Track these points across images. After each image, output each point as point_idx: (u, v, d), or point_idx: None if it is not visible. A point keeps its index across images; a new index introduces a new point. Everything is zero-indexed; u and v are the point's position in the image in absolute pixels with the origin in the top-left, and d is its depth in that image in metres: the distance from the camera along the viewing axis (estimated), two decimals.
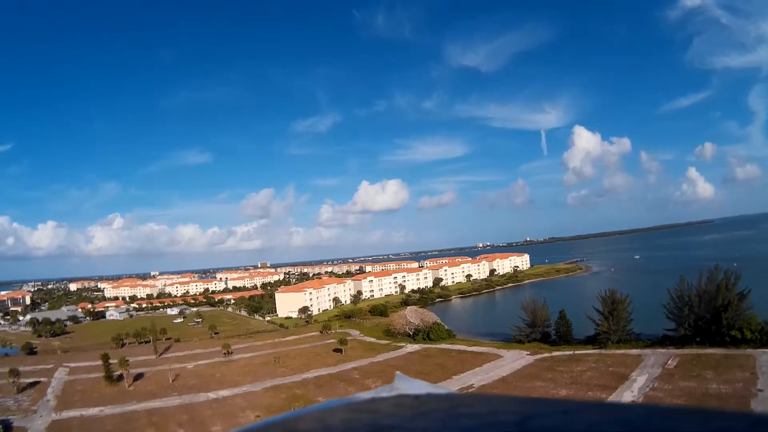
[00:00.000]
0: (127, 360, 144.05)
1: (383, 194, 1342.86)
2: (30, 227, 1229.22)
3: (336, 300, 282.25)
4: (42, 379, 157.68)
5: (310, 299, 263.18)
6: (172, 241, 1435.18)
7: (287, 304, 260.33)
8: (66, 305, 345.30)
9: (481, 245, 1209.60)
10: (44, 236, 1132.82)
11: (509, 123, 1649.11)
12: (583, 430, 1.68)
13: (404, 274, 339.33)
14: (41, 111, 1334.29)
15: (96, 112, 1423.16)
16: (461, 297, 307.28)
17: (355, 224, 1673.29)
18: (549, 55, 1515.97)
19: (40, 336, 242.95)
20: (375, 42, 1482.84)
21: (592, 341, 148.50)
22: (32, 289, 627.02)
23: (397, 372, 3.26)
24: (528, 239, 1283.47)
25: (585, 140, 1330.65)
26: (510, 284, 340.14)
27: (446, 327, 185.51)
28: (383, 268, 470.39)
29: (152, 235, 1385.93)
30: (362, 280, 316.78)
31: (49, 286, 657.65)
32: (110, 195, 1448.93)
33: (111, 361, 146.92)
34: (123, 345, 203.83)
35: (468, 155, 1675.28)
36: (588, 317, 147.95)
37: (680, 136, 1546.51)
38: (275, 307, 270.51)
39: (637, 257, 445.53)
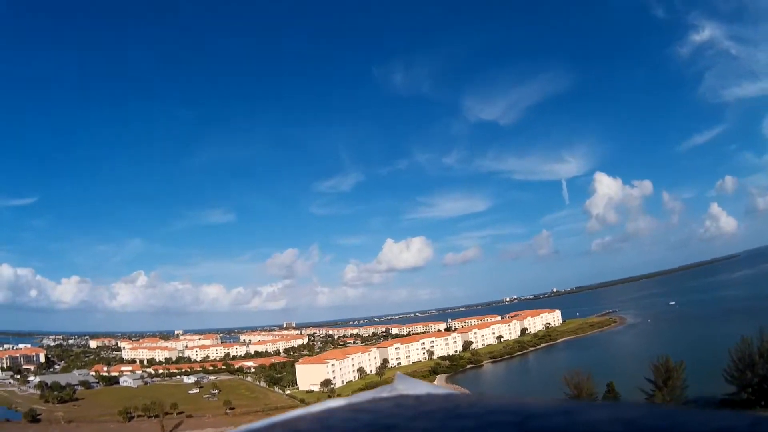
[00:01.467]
0: None
1: (408, 252, 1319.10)
2: (53, 281, 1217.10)
3: (361, 370, 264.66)
4: None
5: (333, 371, 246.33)
6: (196, 300, 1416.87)
7: (308, 377, 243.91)
8: (78, 369, 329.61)
9: (507, 299, 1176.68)
10: (68, 290, 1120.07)
11: (529, 175, 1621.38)
12: (583, 430, 1.68)
13: (432, 339, 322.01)
14: (66, 166, 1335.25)
15: (120, 169, 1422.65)
16: (493, 362, 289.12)
17: (380, 283, 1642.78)
18: (564, 104, 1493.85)
19: (47, 401, 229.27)
20: (394, 99, 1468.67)
21: None
22: (52, 343, 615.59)
23: (397, 372, 3.30)
24: (555, 290, 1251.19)
25: (606, 186, 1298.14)
26: (543, 344, 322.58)
27: None
28: (410, 330, 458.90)
29: (176, 293, 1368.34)
30: (388, 348, 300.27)
31: (70, 341, 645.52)
32: (135, 252, 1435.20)
33: None
34: (131, 418, 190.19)
35: (490, 209, 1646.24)
36: (640, 389, 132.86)
37: (700, 172, 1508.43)
38: (296, 379, 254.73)
39: (672, 303, 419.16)
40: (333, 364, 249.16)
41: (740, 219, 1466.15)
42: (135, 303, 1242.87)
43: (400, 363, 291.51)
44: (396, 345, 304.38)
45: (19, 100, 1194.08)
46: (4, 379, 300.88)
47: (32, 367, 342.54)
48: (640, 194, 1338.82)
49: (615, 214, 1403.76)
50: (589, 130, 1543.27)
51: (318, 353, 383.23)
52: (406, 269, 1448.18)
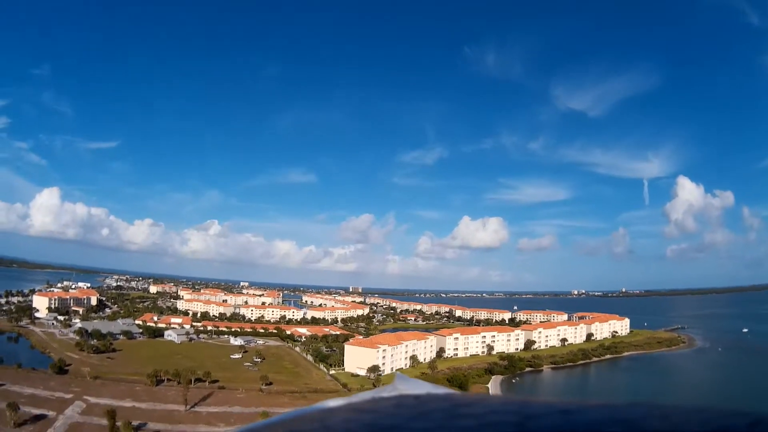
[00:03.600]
0: (131, 424, 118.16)
1: (483, 231, 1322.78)
2: (127, 222, 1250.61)
3: (414, 358, 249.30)
4: (50, 413, 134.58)
5: (383, 357, 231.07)
6: (267, 254, 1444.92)
7: (356, 359, 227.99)
8: (127, 317, 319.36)
9: (576, 292, 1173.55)
10: (139, 231, 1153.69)
11: (613, 170, 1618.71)
12: (583, 430, 1.68)
13: (494, 333, 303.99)
14: (152, 113, 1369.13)
15: (206, 120, 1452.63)
16: (553, 368, 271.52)
17: (452, 258, 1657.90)
18: (653, 103, 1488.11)
19: (81, 350, 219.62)
20: (484, 80, 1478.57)
21: None
22: (113, 283, 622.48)
23: (398, 372, 3.38)
24: (624, 290, 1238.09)
25: (688, 192, 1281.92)
26: (608, 355, 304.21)
27: None
28: (473, 315, 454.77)
29: (248, 245, 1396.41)
30: (447, 337, 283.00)
31: (132, 283, 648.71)
32: (211, 202, 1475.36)
33: (134, 404, 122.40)
34: (160, 382, 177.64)
35: (570, 200, 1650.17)
36: None
37: None
38: (343, 359, 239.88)
39: (745, 331, 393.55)
40: (384, 350, 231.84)
41: None
42: (205, 251, 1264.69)
43: (457, 354, 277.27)
44: (455, 335, 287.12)
45: (111, 46, 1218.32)
46: (48, 320, 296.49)
47: (81, 310, 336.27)
48: (721, 205, 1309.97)
49: (693, 222, 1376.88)
50: (676, 131, 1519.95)
51: (375, 326, 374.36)
52: (480, 248, 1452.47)
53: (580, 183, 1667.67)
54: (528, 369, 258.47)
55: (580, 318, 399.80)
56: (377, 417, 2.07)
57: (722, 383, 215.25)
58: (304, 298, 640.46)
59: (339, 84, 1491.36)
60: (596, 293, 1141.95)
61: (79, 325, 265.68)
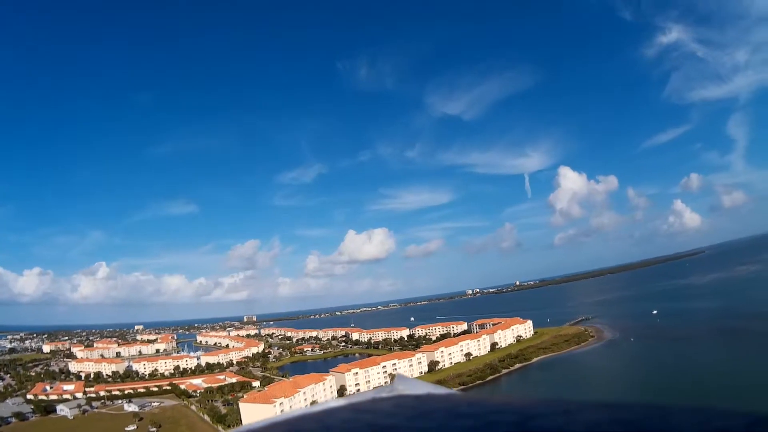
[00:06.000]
0: None
1: (370, 243, 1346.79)
2: (15, 272, 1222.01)
3: (314, 404, 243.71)
4: None
5: (282, 410, 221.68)
6: (157, 292, 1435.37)
7: (254, 417, 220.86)
8: (14, 395, 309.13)
9: (470, 292, 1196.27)
10: (29, 282, 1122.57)
11: (492, 169, 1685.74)
12: (583, 430, 1.70)
13: (394, 361, 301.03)
14: (27, 156, 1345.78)
15: (83, 158, 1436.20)
16: (462, 389, 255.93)
17: (342, 274, 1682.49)
18: (529, 100, 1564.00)
19: None
20: (358, 94, 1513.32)
21: None
22: (8, 345, 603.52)
23: (398, 372, 3.42)
24: (518, 283, 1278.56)
25: (571, 181, 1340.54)
26: (517, 365, 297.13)
27: None
28: (371, 337, 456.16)
29: (137, 285, 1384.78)
30: (346, 374, 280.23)
31: (26, 343, 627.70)
32: (96, 243, 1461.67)
33: None
34: None
35: (453, 202, 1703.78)
36: None
37: (664, 170, 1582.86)
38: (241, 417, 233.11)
39: (655, 312, 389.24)
40: (281, 403, 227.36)
41: (704, 215, 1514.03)
42: (96, 295, 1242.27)
43: (359, 390, 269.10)
44: (354, 370, 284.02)
45: None
46: None
47: None
48: (605, 189, 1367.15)
49: (579, 208, 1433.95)
50: (553, 125, 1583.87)
51: (272, 364, 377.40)
52: (368, 260, 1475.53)
53: (461, 185, 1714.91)
54: None
55: (481, 327, 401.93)
56: (377, 417, 2.10)
57: (642, 377, 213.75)
58: (198, 338, 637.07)
59: (213, 108, 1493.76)
60: (490, 290, 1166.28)
61: None
